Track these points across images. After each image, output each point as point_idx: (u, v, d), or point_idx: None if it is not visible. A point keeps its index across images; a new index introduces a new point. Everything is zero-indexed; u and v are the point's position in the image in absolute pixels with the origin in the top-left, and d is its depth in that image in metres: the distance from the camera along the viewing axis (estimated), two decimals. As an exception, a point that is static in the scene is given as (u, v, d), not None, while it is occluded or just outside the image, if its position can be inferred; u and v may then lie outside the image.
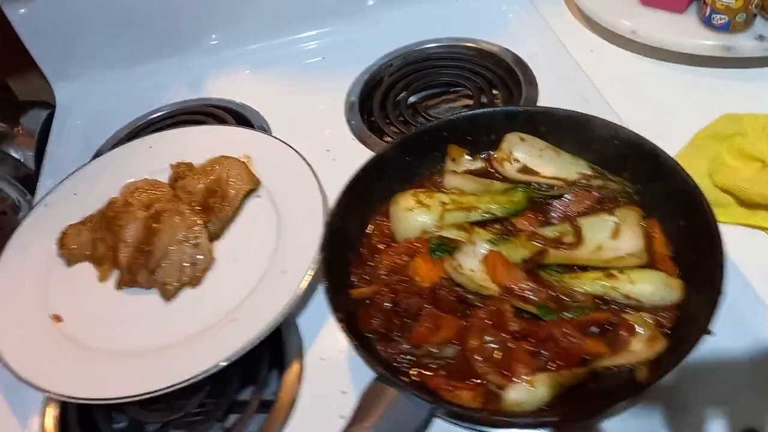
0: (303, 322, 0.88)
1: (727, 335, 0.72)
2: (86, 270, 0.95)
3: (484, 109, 0.96)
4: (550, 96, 1.12)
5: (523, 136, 0.94)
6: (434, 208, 0.86)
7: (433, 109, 1.22)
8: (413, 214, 0.86)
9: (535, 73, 1.17)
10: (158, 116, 1.26)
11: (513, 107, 0.96)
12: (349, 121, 1.18)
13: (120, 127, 1.25)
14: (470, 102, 1.20)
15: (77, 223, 0.99)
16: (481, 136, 0.96)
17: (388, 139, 1.13)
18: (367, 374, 0.71)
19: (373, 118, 1.19)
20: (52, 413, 0.83)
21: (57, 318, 0.89)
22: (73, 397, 0.78)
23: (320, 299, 0.85)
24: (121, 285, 0.92)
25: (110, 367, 0.81)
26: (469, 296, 0.77)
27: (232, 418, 0.81)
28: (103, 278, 0.94)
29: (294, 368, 0.83)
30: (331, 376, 0.81)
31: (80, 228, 0.98)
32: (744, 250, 0.84)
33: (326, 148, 1.12)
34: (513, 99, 1.16)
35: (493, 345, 0.74)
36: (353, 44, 1.32)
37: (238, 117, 1.22)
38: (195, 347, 0.81)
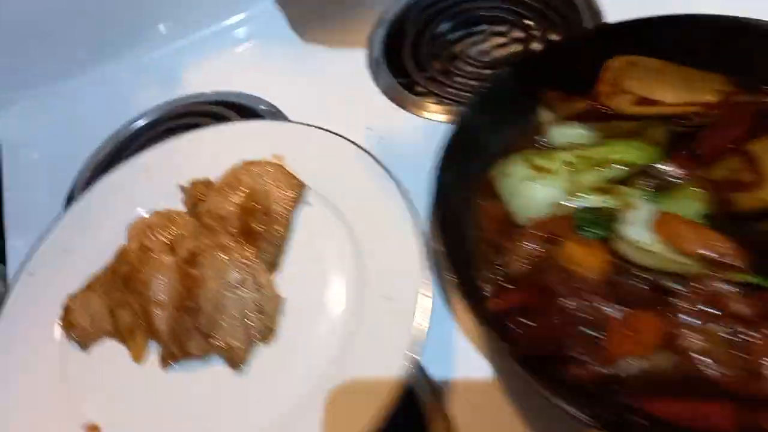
0: (429, 360, 0.64)
1: None
2: (113, 350, 0.68)
3: (581, 33, 0.73)
4: (619, 8, 0.87)
5: (632, 58, 0.71)
6: (559, 172, 0.63)
7: (485, 56, 0.96)
8: (535, 186, 0.63)
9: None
10: (138, 127, 0.95)
11: (603, 25, 0.73)
12: (380, 85, 0.92)
13: (91, 153, 0.95)
14: (502, 40, 0.96)
15: (81, 291, 0.71)
16: (578, 70, 0.73)
17: (433, 99, 0.88)
18: (548, 410, 0.49)
19: (409, 77, 0.93)
20: None
21: (92, 428, 0.62)
22: None
23: (438, 322, 0.62)
24: (166, 361, 0.65)
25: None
26: (664, 281, 0.56)
27: None
28: (138, 357, 0.67)
29: (437, 427, 0.60)
30: (493, 425, 0.59)
31: (87, 296, 0.70)
32: None
33: (365, 125, 0.87)
34: (569, 24, 0.92)
35: (722, 340, 0.52)
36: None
37: (242, 110, 0.94)
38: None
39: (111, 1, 0.97)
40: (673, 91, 0.71)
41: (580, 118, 0.72)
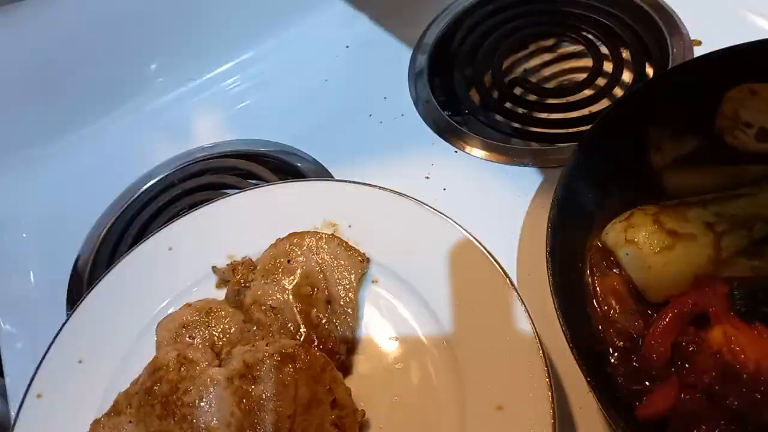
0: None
1: None
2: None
3: (678, 65, 0.65)
4: (713, 38, 0.78)
5: (756, 86, 0.63)
6: (701, 236, 0.55)
7: (546, 82, 0.88)
8: (674, 254, 0.54)
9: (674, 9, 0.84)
10: (147, 192, 0.85)
11: (718, 52, 0.65)
12: (435, 127, 0.83)
13: (92, 225, 0.84)
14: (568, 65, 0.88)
15: (106, 415, 0.60)
16: (690, 101, 0.65)
17: (494, 136, 0.79)
18: None
19: (466, 114, 0.84)
20: None
21: None
22: None
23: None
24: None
25: None
26: None
27: None
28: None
29: None
30: None
31: (115, 422, 0.59)
32: None
33: (424, 175, 0.78)
34: (646, 51, 0.83)
35: None
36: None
37: (269, 162, 0.84)
38: None
39: (103, 52, 0.87)
40: (804, 121, 0.63)
41: (694, 160, 0.64)
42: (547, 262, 0.54)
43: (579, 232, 0.60)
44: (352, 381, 0.59)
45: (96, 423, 0.60)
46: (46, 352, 0.65)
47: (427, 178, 0.77)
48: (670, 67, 0.77)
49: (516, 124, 0.81)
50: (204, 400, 0.56)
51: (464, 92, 0.85)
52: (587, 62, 0.85)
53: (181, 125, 0.91)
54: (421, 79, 0.87)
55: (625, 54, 0.84)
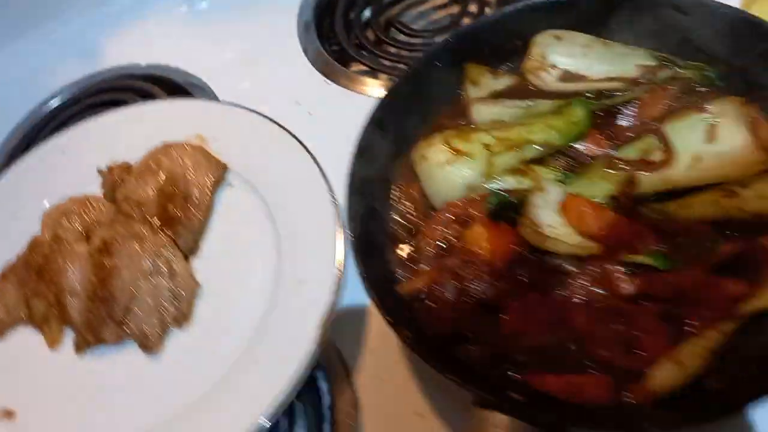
0: (339, 338, 0.73)
1: None
2: (30, 338, 0.76)
3: (507, 9, 0.79)
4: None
5: (559, 33, 0.78)
6: (476, 154, 0.71)
7: (417, 22, 1.03)
8: (452, 169, 0.70)
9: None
10: (55, 106, 1.01)
11: (526, 2, 0.80)
12: (312, 61, 0.98)
13: (6, 133, 1.01)
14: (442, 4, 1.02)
15: (-6, 279, 0.79)
16: (504, 45, 0.80)
17: (362, 69, 0.95)
18: (446, 387, 0.58)
19: (341, 48, 1.00)
20: None
21: (8, 414, 0.71)
22: None
23: (351, 303, 0.71)
24: (81, 348, 0.73)
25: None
26: (560, 263, 0.64)
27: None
28: (53, 344, 0.74)
29: (345, 400, 0.69)
30: (396, 399, 0.68)
31: (1, 286, 0.78)
32: None
33: (295, 101, 0.94)
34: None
35: (606, 318, 0.61)
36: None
37: (165, 84, 1.00)
38: (212, 413, 0.65)
39: None
40: (598, 65, 0.78)
41: (505, 95, 0.79)
42: (352, 163, 0.70)
43: (397, 145, 0.76)
44: (196, 260, 0.77)
45: (-15, 287, 0.78)
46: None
47: (298, 103, 0.93)
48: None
49: (386, 62, 0.97)
50: (68, 269, 0.74)
51: (344, 34, 1.00)
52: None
53: (91, 49, 1.06)
54: (310, 27, 1.01)
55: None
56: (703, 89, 0.73)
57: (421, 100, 0.78)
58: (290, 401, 0.62)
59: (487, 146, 0.71)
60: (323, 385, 0.68)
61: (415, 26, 1.00)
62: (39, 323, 0.75)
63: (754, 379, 0.54)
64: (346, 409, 0.68)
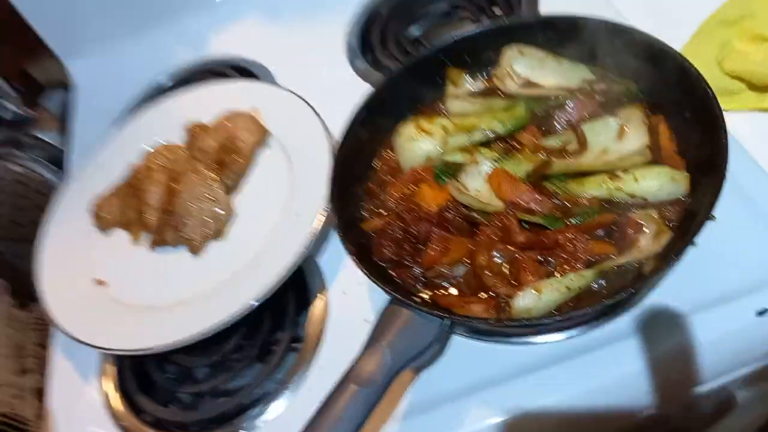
0: (323, 261, 0.94)
1: (737, 220, 0.73)
2: (121, 235, 1.03)
3: (475, 29, 0.96)
4: (552, 2, 1.09)
5: (522, 48, 0.93)
6: (436, 134, 0.88)
7: (436, 38, 1.21)
8: (416, 142, 0.88)
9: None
10: (167, 81, 1.30)
11: (502, 22, 0.95)
12: (351, 61, 1.19)
13: (132, 97, 1.31)
14: (472, 24, 1.19)
15: (106, 194, 1.06)
16: (480, 56, 0.96)
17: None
18: (386, 301, 0.76)
19: (376, 56, 1.20)
20: (109, 370, 0.93)
21: (100, 282, 0.98)
22: (125, 350, 0.87)
23: (337, 238, 0.90)
24: (153, 245, 0.99)
25: (153, 320, 0.90)
26: (475, 215, 0.80)
27: (270, 357, 0.88)
28: (135, 239, 1.01)
29: (318, 304, 0.89)
30: (353, 308, 0.87)
31: (110, 198, 1.06)
32: (757, 134, 0.83)
33: (331, 91, 1.14)
34: (514, 12, 1.14)
35: (501, 259, 0.77)
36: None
37: (243, 72, 1.26)
38: (225, 294, 0.88)
39: None
40: (551, 77, 0.93)
41: (474, 94, 0.95)
42: (344, 133, 0.90)
43: (387, 122, 0.94)
44: (236, 195, 1.01)
45: (100, 198, 1.06)
46: (83, 161, 1.12)
47: (334, 93, 1.14)
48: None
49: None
50: (151, 189, 1.00)
51: (380, 47, 1.20)
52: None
53: (197, 41, 1.34)
54: (356, 37, 1.23)
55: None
56: (626, 101, 0.85)
57: (412, 91, 0.96)
58: (275, 289, 0.83)
59: (445, 128, 0.88)
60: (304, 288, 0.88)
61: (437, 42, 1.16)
62: (129, 226, 1.02)
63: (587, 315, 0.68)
64: (318, 312, 0.87)
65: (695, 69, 0.77)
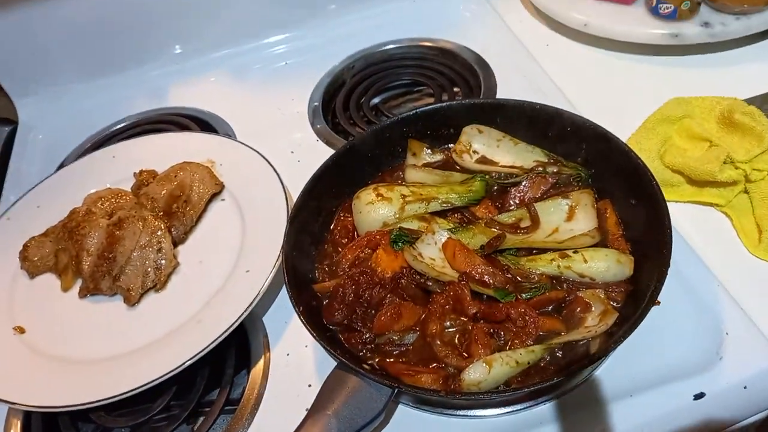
0: (269, 319, 0.90)
1: (678, 305, 0.76)
2: (50, 281, 0.97)
3: (440, 104, 0.99)
4: (508, 89, 1.16)
5: (481, 128, 0.97)
6: (395, 201, 0.89)
7: (397, 109, 1.26)
8: (374, 207, 0.88)
9: (493, 68, 1.21)
10: (122, 127, 1.28)
11: (468, 100, 1.00)
12: (313, 123, 1.21)
13: (83, 140, 1.27)
14: (432, 100, 1.24)
15: (39, 235, 1.00)
16: (440, 130, 0.99)
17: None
18: (332, 366, 0.73)
19: (337, 120, 1.22)
20: (16, 424, 0.84)
21: (20, 329, 0.90)
22: (34, 407, 0.79)
23: (286, 296, 0.87)
24: (83, 293, 0.93)
25: (73, 374, 0.82)
26: (429, 283, 0.80)
27: (200, 420, 0.82)
28: (65, 288, 0.95)
29: (259, 366, 0.85)
30: (296, 371, 0.83)
31: (42, 240, 0.99)
32: (695, 225, 0.88)
33: (291, 150, 1.15)
34: (473, 94, 1.20)
35: (452, 329, 0.76)
36: (315, 48, 1.36)
37: (203, 124, 1.25)
38: (158, 351, 0.83)
39: (140, 23, 1.30)
40: (506, 156, 0.96)
41: (433, 166, 0.98)
42: (300, 195, 0.89)
43: (348, 189, 0.94)
44: (182, 247, 0.97)
45: (31, 239, 1.00)
46: (18, 199, 1.06)
47: (292, 152, 1.15)
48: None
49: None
50: (90, 234, 0.95)
51: (341, 111, 1.23)
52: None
53: (157, 91, 1.33)
54: (318, 105, 1.25)
55: (456, 89, 1.21)
56: (576, 184, 0.89)
57: (372, 159, 0.97)
58: (212, 347, 0.78)
59: (403, 196, 0.89)
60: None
61: (397, 113, 1.20)
62: (60, 271, 0.95)
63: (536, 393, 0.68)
64: (258, 373, 0.83)
65: (640, 159, 0.82)
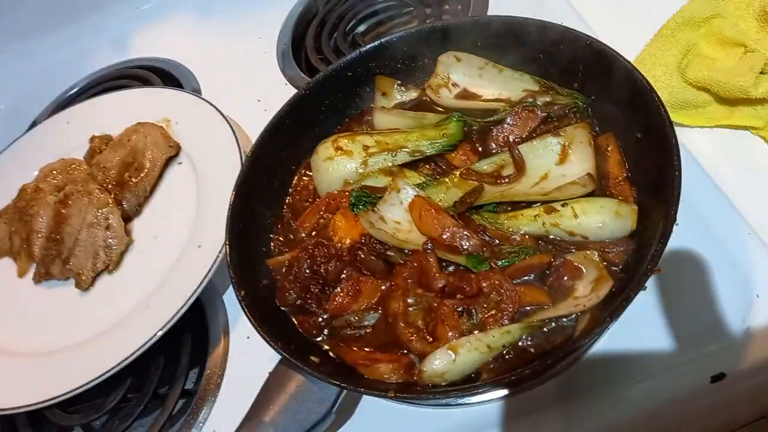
0: (229, 298, 0.82)
1: (698, 259, 0.61)
2: (7, 266, 0.91)
3: (407, 30, 0.83)
4: (502, 5, 0.97)
5: (459, 54, 0.81)
6: (357, 154, 0.76)
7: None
8: (333, 163, 0.76)
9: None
10: (85, 85, 1.18)
11: (440, 22, 0.83)
12: (282, 66, 1.07)
13: (47, 105, 1.18)
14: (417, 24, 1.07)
15: (-8, 217, 0.94)
16: (414, 62, 0.84)
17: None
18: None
19: (309, 59, 1.08)
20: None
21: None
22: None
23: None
24: (37, 278, 0.87)
25: (23, 370, 0.77)
26: (391, 254, 0.68)
27: (157, 411, 0.76)
28: (21, 273, 0.89)
29: (218, 350, 0.77)
30: (257, 357, 0.74)
31: (-5, 222, 0.93)
32: (724, 156, 0.71)
33: (257, 98, 1.03)
34: (464, 12, 1.02)
35: (417, 307, 0.65)
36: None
37: (167, 77, 1.13)
38: (108, 341, 0.76)
39: None
40: (490, 87, 0.81)
41: (406, 106, 0.83)
42: (250, 152, 0.77)
43: (307, 139, 0.82)
44: (137, 220, 0.88)
45: (-15, 221, 0.94)
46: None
47: (259, 101, 1.02)
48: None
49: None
50: (39, 213, 0.87)
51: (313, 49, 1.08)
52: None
53: (120, 40, 1.21)
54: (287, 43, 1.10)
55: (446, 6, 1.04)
56: (573, 116, 0.73)
57: (336, 103, 0.83)
58: (159, 337, 0.71)
59: (366, 147, 0.76)
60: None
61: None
62: (15, 255, 0.89)
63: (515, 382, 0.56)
64: (217, 360, 0.75)
65: (646, 80, 0.65)
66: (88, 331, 0.79)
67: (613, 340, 0.64)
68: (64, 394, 0.73)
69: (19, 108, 1.20)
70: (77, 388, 0.72)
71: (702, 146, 0.71)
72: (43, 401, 0.73)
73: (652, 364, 0.60)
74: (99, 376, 0.72)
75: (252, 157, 0.77)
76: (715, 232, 0.66)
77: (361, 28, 1.11)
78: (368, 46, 0.84)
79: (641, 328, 0.63)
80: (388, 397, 0.57)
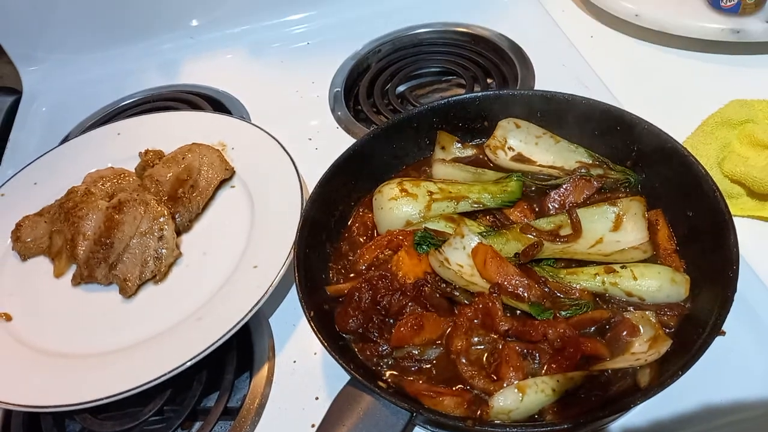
0: (275, 321, 0.82)
1: (739, 336, 0.67)
2: (43, 265, 0.90)
3: (475, 93, 0.91)
4: (547, 83, 1.07)
5: (519, 122, 0.88)
6: (420, 198, 0.81)
7: (424, 98, 1.17)
8: (397, 204, 0.80)
9: (531, 60, 1.12)
10: (129, 103, 1.20)
11: (506, 91, 0.91)
12: (333, 109, 1.13)
13: (89, 115, 1.20)
14: (463, 91, 1.15)
15: (34, 214, 0.93)
16: (474, 123, 0.91)
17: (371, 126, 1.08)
18: (343, 379, 0.65)
19: (359, 107, 1.14)
20: (-5, 422, 0.78)
21: (6, 316, 0.83)
22: (14, 405, 0.72)
23: (295, 297, 0.79)
24: (77, 281, 0.86)
25: (59, 370, 0.75)
26: (456, 293, 0.72)
27: (196, 426, 0.75)
28: (58, 274, 0.88)
29: (263, 372, 0.77)
30: (303, 381, 0.76)
31: (37, 219, 0.92)
32: (756, 244, 0.79)
33: (308, 137, 1.07)
34: (508, 86, 1.11)
35: (480, 346, 0.68)
36: (339, 28, 1.27)
37: (216, 104, 1.17)
38: (152, 350, 0.75)
39: None
40: (545, 155, 0.88)
41: (463, 161, 0.89)
42: (317, 187, 0.81)
43: (366, 180, 0.86)
44: (186, 236, 0.89)
45: (25, 217, 0.93)
46: (15, 174, 1.00)
47: (310, 139, 1.07)
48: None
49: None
50: (88, 216, 0.87)
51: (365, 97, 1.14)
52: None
53: (170, 65, 1.25)
54: (340, 88, 1.16)
55: (489, 81, 1.12)
56: (624, 190, 0.80)
57: (397, 150, 0.89)
58: (212, 350, 0.71)
59: (431, 193, 0.81)
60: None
61: (425, 102, 1.11)
62: (54, 255, 0.88)
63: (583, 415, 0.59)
64: (261, 380, 0.75)
65: (702, 167, 0.73)
66: (128, 338, 0.78)
67: (658, 398, 0.68)
68: (99, 399, 0.71)
69: (59, 115, 1.21)
70: (113, 395, 0.71)
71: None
72: (76, 404, 0.71)
73: (693, 426, 0.65)
74: (142, 384, 0.71)
75: (322, 185, 0.81)
76: (755, 311, 0.73)
77: (404, 87, 1.18)
78: (436, 103, 0.90)
79: (684, 391, 0.67)
80: (465, 427, 0.59)
